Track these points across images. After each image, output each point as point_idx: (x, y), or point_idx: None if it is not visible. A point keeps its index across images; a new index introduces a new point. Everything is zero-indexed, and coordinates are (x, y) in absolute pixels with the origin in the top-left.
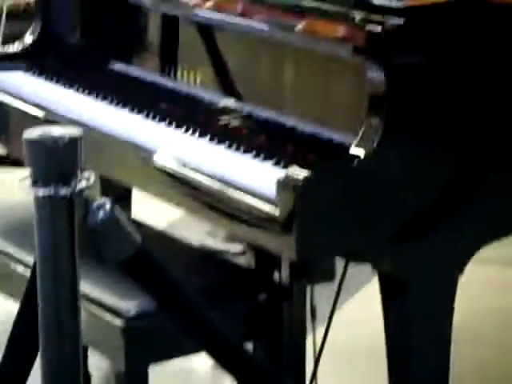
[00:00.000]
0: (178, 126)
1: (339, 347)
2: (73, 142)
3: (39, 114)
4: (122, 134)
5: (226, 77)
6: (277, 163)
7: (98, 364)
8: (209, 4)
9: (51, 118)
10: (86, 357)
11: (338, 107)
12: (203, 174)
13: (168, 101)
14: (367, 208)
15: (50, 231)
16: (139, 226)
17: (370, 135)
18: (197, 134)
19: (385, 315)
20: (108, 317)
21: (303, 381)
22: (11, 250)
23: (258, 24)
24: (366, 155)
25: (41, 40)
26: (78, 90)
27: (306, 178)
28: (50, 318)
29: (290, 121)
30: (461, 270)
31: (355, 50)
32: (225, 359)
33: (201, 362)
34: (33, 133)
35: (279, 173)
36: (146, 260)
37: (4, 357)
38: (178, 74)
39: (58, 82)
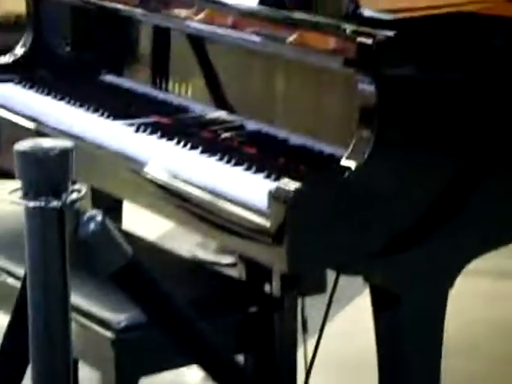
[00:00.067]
0: (170, 138)
1: (330, 359)
2: (64, 153)
3: (30, 125)
4: (113, 146)
5: (218, 89)
6: (268, 175)
7: (88, 376)
8: (200, 16)
9: (42, 130)
10: (76, 369)
11: (330, 119)
12: (194, 185)
13: (159, 113)
14: (358, 220)
15: (40, 243)
16: (130, 237)
17: (361, 147)
18: (188, 146)
19: (376, 327)
20: (98, 329)
21: None
22: (1, 261)
23: (249, 36)
24: (357, 167)
25: (32, 52)
26: (69, 102)
27: (297, 190)
28: (40, 329)
29: (281, 133)
30: (451, 283)
31: (346, 62)
32: (216, 371)
33: (192, 375)
34: (24, 145)
35: (270, 185)
36: (137, 272)
37: None
38: (170, 85)
39: (48, 93)
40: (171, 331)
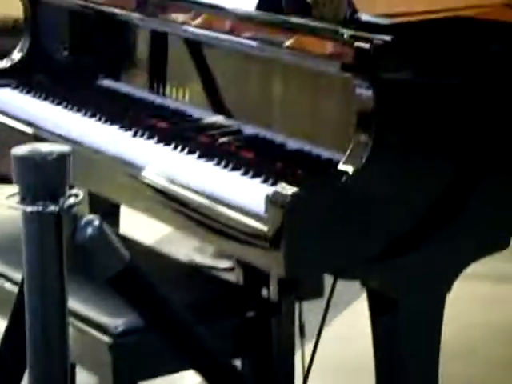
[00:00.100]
0: (167, 143)
1: (328, 364)
2: (61, 158)
3: (28, 130)
4: (111, 151)
5: (215, 93)
6: (265, 180)
7: (85, 381)
8: (197, 21)
9: (40, 135)
10: (73, 374)
11: (327, 124)
12: (192, 190)
13: (157, 117)
14: (356, 225)
15: (38, 247)
16: (127, 241)
17: (358, 151)
18: (185, 150)
19: (373, 332)
20: (96, 333)
21: None
22: None
23: (246, 40)
24: (354, 172)
25: (29, 56)
26: (66, 107)
27: (294, 195)
28: (37, 334)
29: (278, 137)
30: (449, 287)
31: (344, 66)
32: (213, 376)
33: (189, 380)
34: (21, 149)
35: (268, 189)
36: (134, 276)
37: None
38: (167, 90)
39: (46, 98)
40: (169, 336)
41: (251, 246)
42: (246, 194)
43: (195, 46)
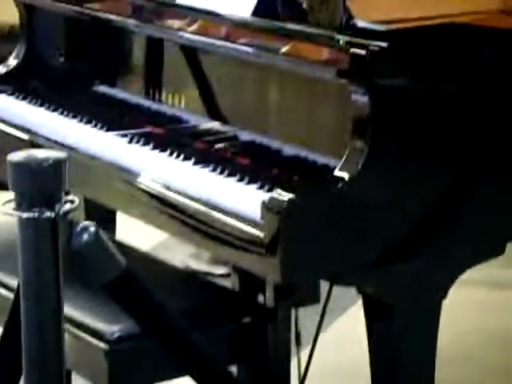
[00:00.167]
0: (163, 149)
1: (324, 369)
2: (57, 164)
3: (24, 136)
4: (107, 157)
5: (211, 99)
6: (261, 186)
7: None
8: (193, 27)
9: (35, 141)
10: (69, 381)
11: (323, 130)
12: (187, 196)
13: (153, 124)
14: (352, 231)
15: (33, 254)
16: (123, 248)
17: (354, 158)
18: (181, 156)
19: (369, 338)
20: (92, 340)
21: None
22: None
23: (242, 47)
24: (350, 178)
25: (25, 63)
26: (62, 113)
27: (290, 201)
28: (33, 341)
29: (274, 143)
30: (445, 294)
31: (339, 72)
32: (209, 382)
33: None
34: (17, 155)
35: (264, 195)
36: (130, 282)
37: None
38: (163, 96)
39: (42, 104)
40: (164, 342)
41: (247, 252)
42: (242, 200)
43: (191, 53)
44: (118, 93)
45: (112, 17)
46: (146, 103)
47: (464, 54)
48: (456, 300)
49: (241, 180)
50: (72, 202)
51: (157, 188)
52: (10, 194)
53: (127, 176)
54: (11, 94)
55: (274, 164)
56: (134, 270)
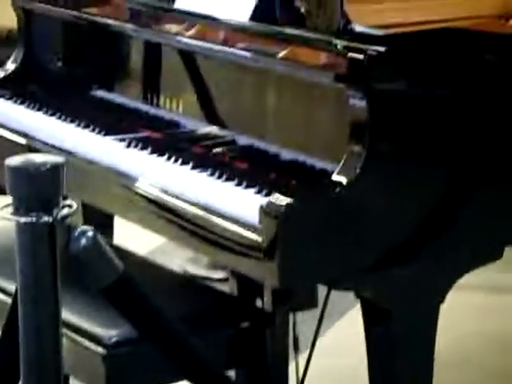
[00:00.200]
0: (161, 154)
1: (322, 374)
2: (55, 169)
3: (21, 141)
4: (105, 162)
5: (209, 104)
6: (259, 190)
7: None
8: (191, 31)
9: (33, 146)
10: None
11: (321, 134)
12: (185, 201)
13: (150, 128)
14: (350, 235)
15: (31, 258)
16: (121, 252)
17: (352, 162)
18: (179, 161)
19: (367, 342)
20: (89, 344)
21: None
22: None
23: (240, 51)
24: (348, 182)
25: (23, 67)
26: (60, 118)
27: (288, 205)
28: (31, 345)
29: (272, 148)
30: (443, 298)
31: (337, 77)
32: None
33: None
34: (15, 160)
35: (262, 200)
36: (128, 287)
37: None
38: (161, 101)
39: (40, 109)
40: (162, 347)
41: (245, 256)
42: (240, 205)
43: (189, 57)
44: (115, 97)
45: (110, 21)
46: (144, 108)
47: (462, 58)
48: (454, 304)
49: (239, 184)
50: (70, 206)
51: (155, 192)
52: (7, 199)
53: (125, 180)
54: (9, 99)
55: (272, 168)
56: (131, 274)
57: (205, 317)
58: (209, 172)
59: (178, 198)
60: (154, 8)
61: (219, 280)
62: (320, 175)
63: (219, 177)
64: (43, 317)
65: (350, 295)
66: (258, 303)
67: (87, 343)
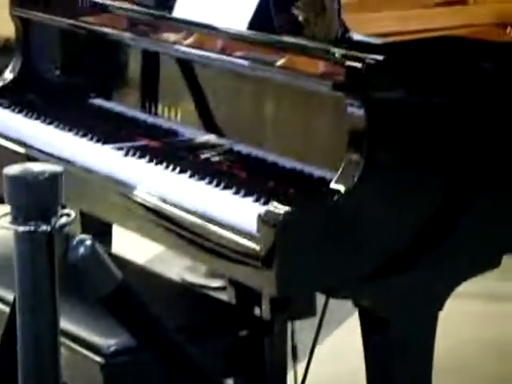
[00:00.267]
0: (159, 162)
1: (320, 382)
2: (53, 178)
3: (19, 150)
4: (103, 170)
5: (207, 112)
6: (257, 199)
7: None
8: (189, 40)
9: (31, 155)
10: None
11: (319, 143)
12: (183, 209)
13: (149, 137)
14: (348, 244)
15: (30, 267)
16: (119, 261)
17: (350, 171)
18: (177, 169)
19: (366, 350)
20: (88, 353)
21: None
22: None
23: (238, 60)
24: (346, 191)
25: (21, 76)
26: (58, 126)
27: (286, 214)
28: (29, 354)
29: (270, 156)
30: (441, 306)
31: (335, 85)
32: None
33: None
34: (13, 169)
35: (260, 208)
36: (127, 296)
37: None
38: (159, 109)
39: (38, 118)
40: (161, 355)
41: (243, 265)
42: (238, 213)
43: (187, 66)
44: (114, 106)
45: (108, 30)
46: (142, 116)
47: (460, 67)
48: (452, 311)
49: (237, 193)
50: (68, 215)
51: (153, 201)
52: (6, 208)
53: (123, 189)
54: (7, 108)
55: (270, 177)
56: (130, 283)
57: (203, 325)
58: (207, 180)
59: (176, 206)
60: (152, 17)
61: (217, 288)
62: (318, 183)
63: (217, 185)
64: (41, 326)
65: (349, 303)
66: (256, 312)
67: (85, 352)
